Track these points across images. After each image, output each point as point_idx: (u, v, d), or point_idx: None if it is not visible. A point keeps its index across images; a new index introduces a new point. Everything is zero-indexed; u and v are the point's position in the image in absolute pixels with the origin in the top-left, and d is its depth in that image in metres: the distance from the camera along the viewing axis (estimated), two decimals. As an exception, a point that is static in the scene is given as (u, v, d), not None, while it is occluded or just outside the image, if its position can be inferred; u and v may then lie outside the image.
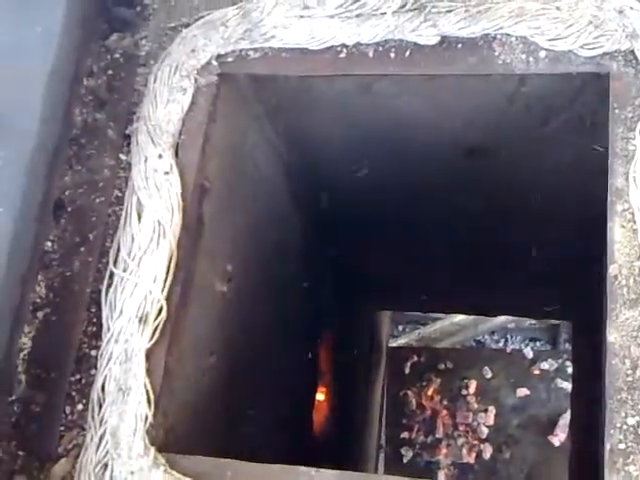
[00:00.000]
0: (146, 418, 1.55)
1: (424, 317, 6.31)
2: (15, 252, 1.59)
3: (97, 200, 1.74)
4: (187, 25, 1.81)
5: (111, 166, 1.76)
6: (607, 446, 1.37)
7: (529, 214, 2.66)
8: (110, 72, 1.82)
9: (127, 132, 1.78)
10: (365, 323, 4.50)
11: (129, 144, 1.76)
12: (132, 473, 1.51)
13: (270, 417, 2.50)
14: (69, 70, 1.74)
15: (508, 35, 1.70)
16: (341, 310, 3.61)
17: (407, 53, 1.73)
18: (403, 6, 1.72)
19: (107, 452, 1.54)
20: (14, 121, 1.65)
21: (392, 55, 1.73)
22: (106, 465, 1.53)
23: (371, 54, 1.74)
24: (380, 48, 1.74)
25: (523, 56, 1.70)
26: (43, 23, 1.70)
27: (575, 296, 3.49)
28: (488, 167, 2.27)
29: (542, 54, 1.69)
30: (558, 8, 1.71)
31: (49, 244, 1.71)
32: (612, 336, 1.44)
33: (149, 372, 1.57)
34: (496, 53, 1.70)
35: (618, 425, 1.38)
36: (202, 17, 1.80)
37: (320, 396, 3.46)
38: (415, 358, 5.61)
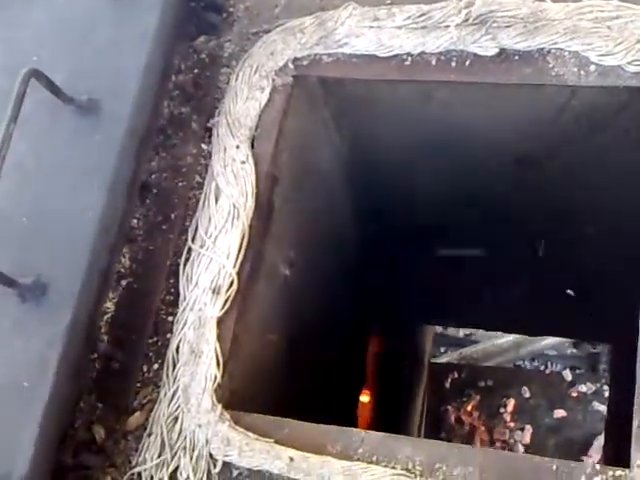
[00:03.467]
0: (214, 378, 1.70)
1: (466, 339, 6.38)
2: (105, 224, 1.74)
3: (179, 184, 1.92)
4: (268, 31, 1.99)
5: (193, 154, 1.94)
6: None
7: (575, 227, 2.76)
8: (196, 70, 2.01)
9: (209, 124, 1.96)
10: (409, 335, 4.60)
11: (210, 135, 1.94)
12: (200, 426, 1.66)
13: (316, 405, 2.63)
14: (160, 67, 1.91)
15: (562, 50, 1.84)
16: (387, 319, 3.73)
17: (467, 63, 1.88)
18: (466, 20, 1.88)
19: (178, 406, 1.69)
20: (110, 108, 1.82)
21: (453, 64, 1.89)
22: (176, 418, 1.69)
23: (434, 62, 1.90)
24: (442, 57, 1.89)
25: (575, 69, 1.84)
26: (141, 24, 1.89)
27: (614, 319, 3.55)
28: (536, 176, 2.40)
29: (592, 68, 1.83)
30: (609, 27, 1.85)
31: (135, 221, 1.89)
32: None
33: (219, 338, 1.72)
34: (550, 65, 1.84)
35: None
36: (281, 24, 1.98)
37: (364, 398, 3.58)
38: (456, 374, 5.68)
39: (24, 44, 1.95)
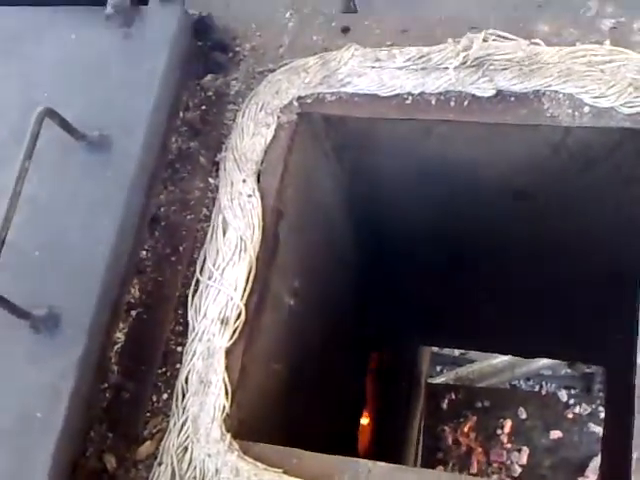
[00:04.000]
0: (223, 408, 1.75)
1: (462, 359, 6.43)
2: (116, 256, 1.82)
3: (188, 217, 1.98)
4: (273, 70, 2.07)
5: (201, 188, 2.00)
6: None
7: (568, 257, 2.83)
8: (204, 107, 2.08)
9: (216, 159, 2.03)
10: (407, 356, 4.66)
11: (217, 170, 2.01)
12: (209, 456, 1.71)
13: (319, 431, 2.68)
14: (169, 104, 2.00)
15: (556, 92, 1.92)
16: (386, 340, 3.79)
17: (465, 103, 1.96)
18: (464, 63, 1.95)
19: (188, 436, 1.74)
20: (121, 144, 1.90)
21: (452, 104, 1.97)
22: (186, 448, 1.74)
23: (433, 102, 1.98)
24: (442, 97, 1.97)
25: (569, 110, 1.91)
26: (150, 63, 1.97)
27: (609, 342, 3.61)
28: (532, 210, 2.47)
29: (586, 109, 1.90)
30: (602, 71, 1.92)
31: (144, 253, 1.95)
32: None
33: (227, 368, 1.78)
34: (545, 107, 1.92)
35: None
36: (286, 64, 2.06)
37: (364, 420, 3.63)
38: (453, 395, 5.74)
39: (36, 81, 2.02)
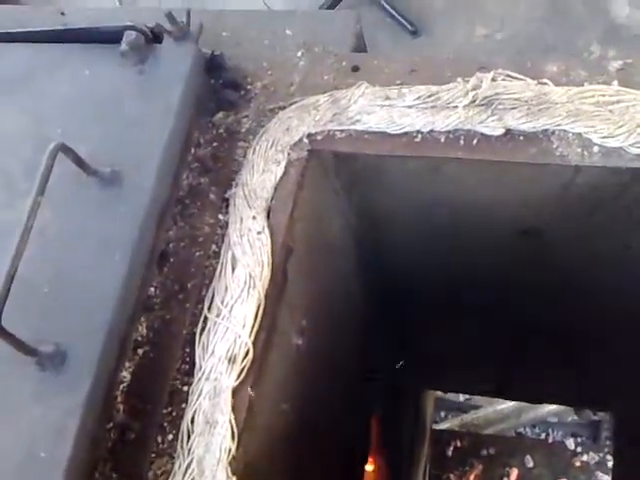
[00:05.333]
0: (229, 451, 1.71)
1: (467, 404, 6.35)
2: (125, 293, 1.79)
3: (197, 253, 1.96)
4: (283, 108, 2.08)
5: (211, 224, 1.99)
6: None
7: (574, 298, 2.81)
8: (215, 144, 2.08)
9: (226, 196, 2.02)
10: (411, 402, 4.60)
11: (227, 206, 2.00)
12: (215, 499, 1.67)
13: (325, 475, 2.63)
14: (181, 141, 2.00)
15: (565, 131, 1.93)
16: (391, 385, 3.74)
17: (474, 141, 1.97)
18: (473, 101, 1.97)
19: (193, 479, 1.70)
20: (133, 180, 1.90)
21: (461, 142, 1.97)
22: (191, 490, 1.70)
23: (442, 140, 1.98)
24: (451, 135, 1.98)
25: (579, 150, 1.92)
26: (164, 100, 1.98)
27: (618, 390, 3.58)
28: (540, 250, 2.47)
29: (595, 149, 1.91)
30: (610, 111, 1.94)
31: (152, 290, 1.93)
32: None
33: (234, 408, 1.74)
34: (554, 146, 1.93)
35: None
36: (297, 102, 2.08)
37: (369, 467, 3.56)
38: (458, 442, 5.65)
39: (49, 117, 2.03)
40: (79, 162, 1.79)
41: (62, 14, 2.28)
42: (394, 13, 6.17)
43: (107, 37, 1.97)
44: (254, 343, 1.81)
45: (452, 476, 5.55)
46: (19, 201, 1.62)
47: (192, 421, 1.77)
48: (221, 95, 2.10)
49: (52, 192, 1.68)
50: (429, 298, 2.96)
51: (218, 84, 2.10)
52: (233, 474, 1.68)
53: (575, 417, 6.19)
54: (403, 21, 6.15)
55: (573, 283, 2.70)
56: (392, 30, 6.19)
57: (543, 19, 5.65)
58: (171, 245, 1.97)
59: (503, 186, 2.13)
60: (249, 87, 2.13)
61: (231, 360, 1.80)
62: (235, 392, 1.76)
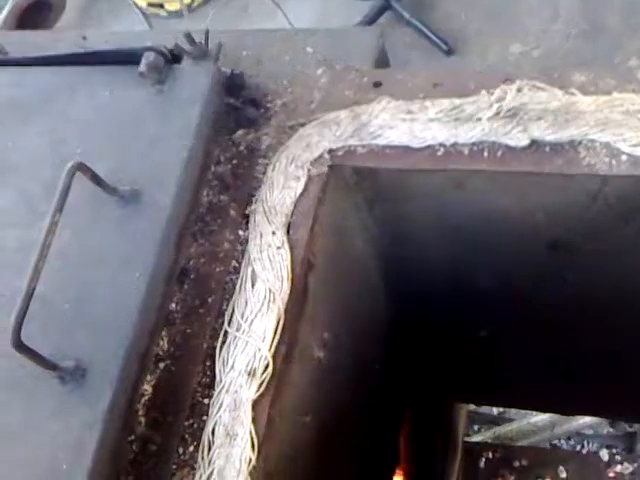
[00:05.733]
0: (249, 461, 1.71)
1: (500, 418, 6.28)
2: (145, 310, 1.82)
3: (217, 269, 1.97)
4: (304, 124, 2.08)
5: (230, 240, 2.00)
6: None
7: (605, 310, 2.75)
8: (235, 161, 2.09)
9: (246, 212, 2.03)
10: (443, 414, 4.56)
11: (247, 222, 2.01)
12: (235, 511, 1.68)
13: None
14: (201, 159, 2.02)
15: (593, 140, 1.89)
16: (420, 398, 3.71)
17: (499, 153, 1.94)
18: (498, 113, 1.95)
19: (213, 490, 1.72)
20: (152, 198, 1.92)
21: (485, 154, 1.95)
22: (212, 502, 1.71)
23: (466, 152, 1.96)
24: (475, 148, 1.96)
25: (606, 159, 1.88)
26: (183, 119, 2.00)
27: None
28: (570, 261, 2.42)
29: (624, 158, 1.87)
30: (639, 119, 1.90)
31: (173, 305, 1.94)
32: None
33: (254, 421, 1.75)
34: (581, 156, 1.89)
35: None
36: (317, 118, 2.07)
37: (397, 479, 3.54)
38: (490, 454, 5.57)
39: (69, 137, 2.06)
40: (98, 181, 1.82)
41: (84, 38, 2.31)
42: (427, 32, 6.08)
43: (126, 59, 1.99)
44: (274, 357, 1.81)
45: (484, 487, 5.50)
46: (39, 222, 1.64)
47: (213, 433, 1.78)
48: (241, 113, 2.11)
49: (72, 211, 1.71)
50: (453, 313, 2.93)
51: (238, 102, 2.11)
52: (254, 485, 1.69)
53: (610, 429, 6.08)
54: (437, 40, 6.05)
55: (606, 297, 2.64)
56: (426, 50, 6.07)
57: (580, 35, 5.57)
58: (191, 262, 1.99)
59: (528, 199, 2.10)
60: (269, 105, 2.14)
61: (251, 373, 1.80)
62: (255, 405, 1.77)
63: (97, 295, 1.82)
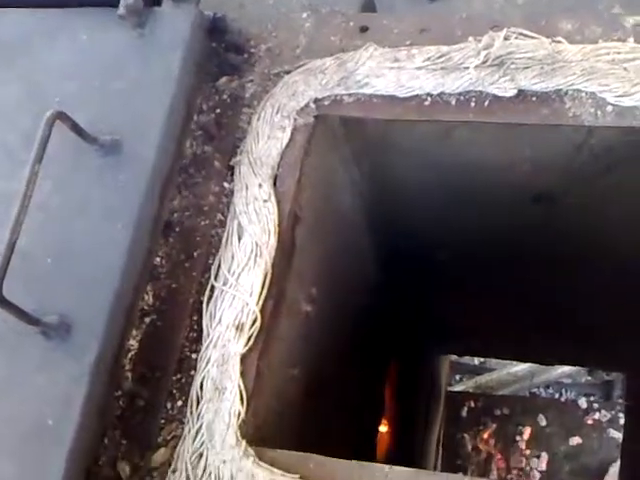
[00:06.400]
0: (238, 415, 1.71)
1: (481, 367, 6.38)
2: (129, 263, 1.78)
3: (202, 222, 1.94)
4: (289, 71, 2.02)
5: (215, 193, 1.96)
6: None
7: (588, 260, 2.77)
8: (218, 110, 2.04)
9: (231, 163, 1.98)
10: (426, 365, 4.61)
11: (232, 174, 1.97)
12: (224, 462, 1.67)
13: (337, 437, 2.64)
14: (183, 107, 1.96)
15: (579, 91, 1.88)
16: (405, 349, 3.74)
17: (486, 103, 1.91)
18: (485, 62, 1.91)
19: (203, 443, 1.71)
20: (134, 148, 1.87)
21: (472, 104, 1.92)
22: (201, 454, 1.70)
23: (453, 102, 1.93)
24: (462, 98, 1.93)
25: (592, 110, 1.86)
26: (163, 65, 1.93)
27: (629, 349, 3.55)
28: (554, 212, 2.42)
29: (609, 109, 1.86)
30: (626, 69, 1.87)
31: (158, 259, 1.91)
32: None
33: (243, 375, 1.74)
34: (567, 106, 1.88)
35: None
36: (303, 65, 2.02)
37: (383, 428, 3.58)
38: (472, 403, 5.69)
39: (46, 84, 1.99)
40: (78, 130, 1.76)
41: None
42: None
43: (106, 0, 1.91)
44: (262, 311, 1.80)
45: (466, 436, 5.61)
46: (19, 171, 1.59)
47: (201, 387, 1.77)
48: (224, 59, 2.05)
49: (52, 162, 1.66)
50: (439, 264, 2.93)
51: (220, 48, 2.05)
52: (243, 437, 1.69)
53: (588, 377, 6.21)
54: (420, -16, 5.97)
55: (585, 246, 2.65)
56: (410, -5, 6.00)
57: (565, -19, 5.49)
58: (176, 214, 1.95)
59: (514, 149, 2.09)
60: (253, 50, 2.08)
61: (239, 328, 1.79)
62: (243, 359, 1.76)
63: (80, 249, 1.78)
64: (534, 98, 1.90)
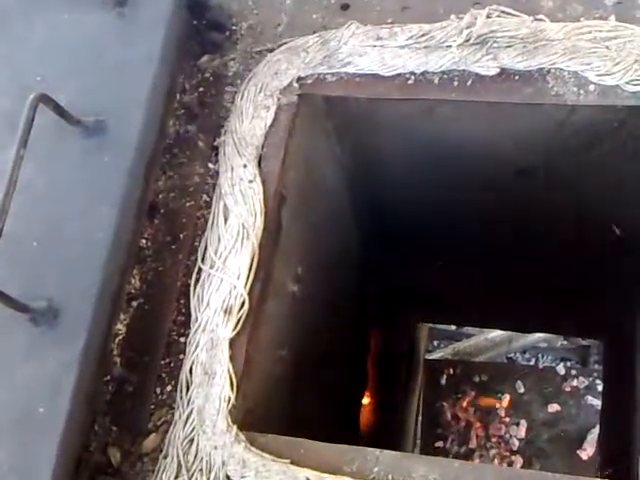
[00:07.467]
0: (229, 400, 1.72)
1: (459, 333, 6.45)
2: (115, 245, 1.76)
3: (187, 204, 1.93)
4: (272, 50, 2.01)
5: (200, 174, 1.95)
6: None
7: (567, 230, 2.81)
8: (201, 89, 2.02)
9: (215, 143, 1.97)
10: (405, 333, 4.66)
11: (217, 154, 1.96)
12: (215, 448, 1.68)
13: (324, 413, 2.67)
14: (166, 86, 1.93)
15: (561, 69, 1.88)
16: (386, 319, 3.78)
17: (469, 82, 1.91)
18: (467, 40, 1.91)
19: (193, 429, 1.72)
20: (118, 129, 1.84)
21: (455, 83, 1.92)
22: (192, 440, 1.71)
23: (436, 81, 1.93)
24: (445, 76, 1.93)
25: (574, 89, 1.88)
26: (145, 44, 1.91)
27: (608, 314, 3.61)
28: (536, 187, 2.44)
29: (591, 87, 1.87)
30: (607, 47, 1.88)
31: (144, 242, 1.90)
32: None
33: (232, 358, 1.75)
34: (550, 85, 1.88)
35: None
36: (285, 43, 2.00)
37: (366, 400, 3.63)
38: (451, 371, 5.76)
39: (27, 64, 1.95)
40: (61, 112, 1.73)
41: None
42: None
43: (85, -21, 1.88)
44: (249, 294, 1.80)
45: (445, 404, 5.69)
46: (1, 155, 1.57)
47: (190, 372, 1.77)
48: (205, 37, 2.03)
49: (35, 145, 1.63)
50: (421, 237, 2.95)
51: (202, 25, 2.02)
52: (233, 422, 1.70)
53: (564, 342, 6.31)
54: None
55: (565, 218, 2.69)
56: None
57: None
58: (161, 196, 1.94)
59: (497, 127, 2.10)
60: (234, 28, 2.06)
61: (227, 311, 1.79)
62: (232, 343, 1.76)
63: (65, 232, 1.76)
64: (517, 77, 1.90)
